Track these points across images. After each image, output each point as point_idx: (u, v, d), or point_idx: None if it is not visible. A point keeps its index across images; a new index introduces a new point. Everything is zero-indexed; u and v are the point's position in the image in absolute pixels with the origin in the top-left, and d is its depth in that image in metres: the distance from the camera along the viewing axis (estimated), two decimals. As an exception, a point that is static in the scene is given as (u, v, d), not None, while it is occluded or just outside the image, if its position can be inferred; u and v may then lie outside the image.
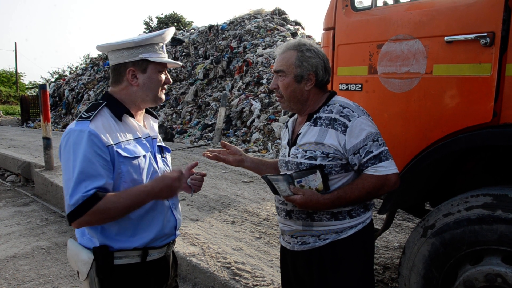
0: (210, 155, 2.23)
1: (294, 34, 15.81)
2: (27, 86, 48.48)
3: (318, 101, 2.01)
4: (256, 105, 12.18)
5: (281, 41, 15.30)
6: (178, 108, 16.17)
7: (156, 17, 54.11)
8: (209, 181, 7.10)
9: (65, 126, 19.50)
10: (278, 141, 10.16)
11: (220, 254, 4.10)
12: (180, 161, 8.87)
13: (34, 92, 26.44)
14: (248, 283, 3.53)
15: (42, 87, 7.03)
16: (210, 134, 12.71)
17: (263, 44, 15.47)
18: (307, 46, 1.97)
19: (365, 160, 1.84)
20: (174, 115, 15.88)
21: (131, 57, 1.81)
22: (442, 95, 2.37)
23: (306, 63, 1.93)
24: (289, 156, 2.02)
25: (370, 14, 2.72)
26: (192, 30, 21.54)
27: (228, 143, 2.31)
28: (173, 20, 52.71)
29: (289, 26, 16.97)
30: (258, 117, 11.87)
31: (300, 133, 1.98)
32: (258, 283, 3.53)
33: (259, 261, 3.95)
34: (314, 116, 1.97)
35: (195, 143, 11.99)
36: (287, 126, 2.19)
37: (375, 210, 3.01)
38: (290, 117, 2.22)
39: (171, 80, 1.95)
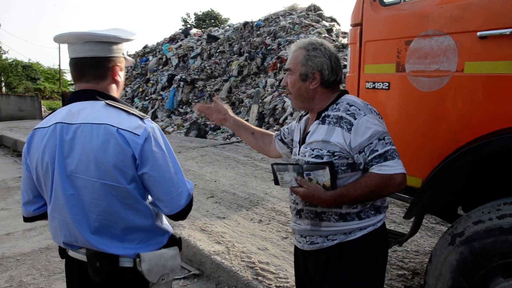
0: (198, 107, 2.45)
1: (329, 31, 15.54)
2: (69, 82, 50.20)
3: (326, 100, 2.00)
4: (289, 102, 12.06)
5: (316, 37, 15.09)
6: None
7: (194, 14, 54.72)
8: (238, 178, 7.09)
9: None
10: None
11: (244, 253, 4.07)
12: (211, 158, 8.90)
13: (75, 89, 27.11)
14: (271, 284, 3.48)
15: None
16: (243, 131, 12.68)
17: (298, 40, 15.30)
18: (315, 45, 1.97)
19: (370, 158, 1.81)
20: (208, 112, 15.95)
21: (118, 52, 1.73)
22: (474, 95, 2.22)
23: (310, 62, 1.94)
24: (298, 154, 2.03)
25: (398, 9, 2.59)
26: (227, 27, 21.61)
27: (219, 101, 2.46)
28: (210, 17, 53.22)
29: (324, 22, 16.70)
30: (291, 114, 11.75)
31: (309, 131, 2.00)
32: (281, 285, 3.47)
33: (284, 261, 3.89)
34: (323, 114, 1.97)
35: (228, 140, 12.01)
36: (299, 121, 2.21)
37: (400, 213, 2.88)
38: (305, 114, 2.20)
39: None
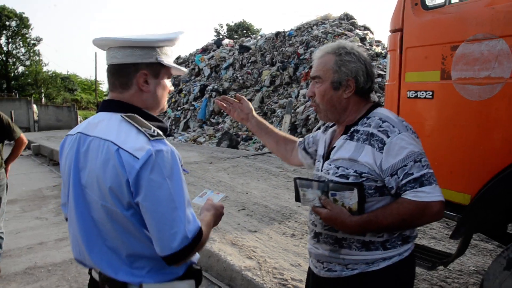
0: (220, 100, 2.23)
1: (362, 39, 15.30)
2: (104, 93, 51.66)
3: (357, 112, 1.79)
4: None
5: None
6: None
7: (227, 25, 55.39)
8: (270, 190, 6.95)
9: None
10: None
11: (277, 269, 3.91)
12: (243, 169, 8.81)
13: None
14: (304, 304, 3.31)
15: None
16: (275, 142, 12.56)
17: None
18: (347, 49, 1.75)
19: (404, 182, 1.58)
20: (240, 122, 15.94)
21: (146, 58, 1.53)
22: (531, 104, 2.02)
23: (344, 68, 1.72)
24: (321, 171, 1.83)
25: (443, 12, 2.42)
26: (259, 37, 21.65)
27: (243, 98, 2.23)
28: (242, 28, 53.75)
29: (357, 31, 16.46)
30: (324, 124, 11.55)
31: (335, 146, 1.78)
32: (315, 305, 3.29)
33: (318, 279, 3.71)
34: (352, 129, 1.75)
35: (260, 151, 11.91)
36: (324, 132, 1.99)
37: (429, 237, 2.68)
38: (332, 125, 1.97)
39: (173, 88, 1.74)
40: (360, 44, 14.57)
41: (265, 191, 6.92)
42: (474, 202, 2.22)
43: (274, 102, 15.26)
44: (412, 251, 1.76)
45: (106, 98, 1.64)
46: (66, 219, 1.72)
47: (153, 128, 1.48)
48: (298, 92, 14.27)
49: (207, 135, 15.96)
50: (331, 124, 1.99)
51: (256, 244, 4.58)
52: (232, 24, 54.47)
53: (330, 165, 1.75)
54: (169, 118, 19.46)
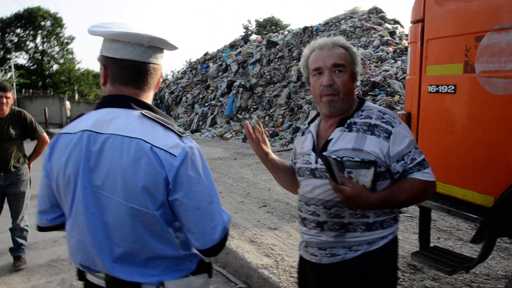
0: (248, 123, 2.12)
1: (392, 33, 14.93)
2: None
3: (352, 105, 1.89)
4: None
5: (378, 40, 14.54)
6: (270, 110, 16.16)
7: (255, 21, 55.30)
8: (293, 187, 6.85)
9: (164, 128, 20.56)
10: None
11: (294, 268, 3.82)
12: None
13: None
14: (321, 305, 3.21)
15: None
16: (301, 138, 12.44)
17: (358, 44, 14.84)
18: (349, 45, 1.89)
19: (411, 166, 1.77)
20: (267, 118, 15.89)
21: (162, 59, 1.57)
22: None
23: (357, 61, 1.88)
24: (316, 163, 1.86)
25: (466, 1, 2.26)
26: (287, 32, 21.48)
27: (264, 131, 2.15)
28: (271, 23, 53.57)
29: (387, 25, 16.08)
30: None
31: (332, 138, 1.84)
32: (332, 306, 3.19)
33: (336, 280, 3.60)
34: (348, 121, 1.84)
35: (285, 147, 11.81)
36: (303, 134, 2.04)
37: (455, 238, 2.52)
38: (309, 123, 2.04)
39: None
40: (389, 38, 14.25)
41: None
42: (498, 204, 2.08)
43: (301, 97, 15.10)
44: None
45: (111, 92, 1.54)
46: (42, 228, 1.67)
47: (175, 125, 1.48)
48: (325, 88, 14.06)
49: (233, 131, 15.97)
50: (309, 122, 2.05)
51: (275, 242, 4.51)
52: (261, 20, 54.37)
53: (330, 156, 1.78)
54: (196, 114, 19.59)
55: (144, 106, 1.52)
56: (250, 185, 7.12)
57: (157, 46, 1.51)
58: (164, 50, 1.59)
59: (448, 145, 2.41)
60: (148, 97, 1.57)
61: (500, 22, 2.06)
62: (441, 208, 2.53)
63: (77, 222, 1.48)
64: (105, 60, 1.51)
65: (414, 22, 2.57)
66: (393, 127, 1.76)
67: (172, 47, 1.57)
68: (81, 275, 1.62)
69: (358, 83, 12.39)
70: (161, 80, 1.63)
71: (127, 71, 1.49)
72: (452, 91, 2.33)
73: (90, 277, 1.57)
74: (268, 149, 2.14)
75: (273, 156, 2.16)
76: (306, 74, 1.94)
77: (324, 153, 1.81)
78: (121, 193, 1.39)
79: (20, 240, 4.58)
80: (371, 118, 1.80)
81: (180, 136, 1.44)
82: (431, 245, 3.93)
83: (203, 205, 1.42)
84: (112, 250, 1.45)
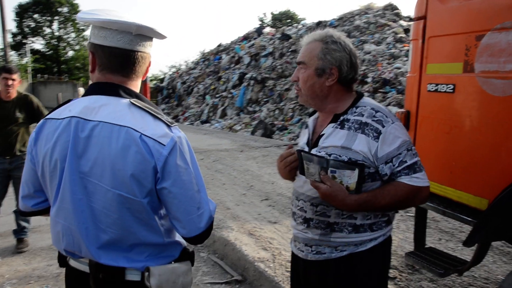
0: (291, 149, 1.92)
1: (406, 30, 14.73)
2: (150, 79, 52.76)
3: (344, 101, 1.82)
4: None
5: (392, 37, 14.37)
6: (281, 104, 16.11)
7: (271, 13, 55.03)
8: (297, 181, 6.83)
9: (175, 117, 20.65)
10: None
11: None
12: (273, 158, 8.72)
13: (154, 84, 28.47)
14: (314, 301, 3.21)
15: (144, 80, 7.37)
16: (309, 133, 12.39)
17: (372, 40, 14.68)
18: (334, 38, 1.78)
19: (399, 169, 1.69)
20: (277, 111, 15.85)
21: (150, 47, 1.55)
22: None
23: (329, 56, 1.75)
24: None
25: (470, -2, 2.21)
26: (301, 26, 21.35)
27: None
28: (286, 17, 53.28)
29: (401, 21, 15.87)
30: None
31: (323, 134, 1.80)
32: (325, 302, 3.19)
33: (332, 276, 3.59)
34: (341, 118, 1.78)
35: (293, 141, 11.77)
36: (306, 127, 2.00)
37: (457, 240, 2.50)
38: (310, 115, 2.02)
39: None
40: (403, 35, 14.07)
41: (292, 183, 6.81)
42: (491, 207, 2.04)
43: (311, 92, 15.00)
44: (391, 230, 1.89)
45: (100, 80, 1.54)
46: (23, 212, 1.68)
47: (164, 115, 1.50)
48: (336, 83, 13.97)
49: (243, 123, 15.96)
50: (310, 114, 2.03)
51: (273, 236, 4.51)
52: (277, 13, 54.10)
53: (319, 152, 1.77)
54: (207, 105, 19.62)
55: (133, 94, 1.52)
56: (254, 177, 7.12)
57: (145, 34, 1.50)
58: (154, 39, 1.59)
59: (445, 145, 2.37)
60: (136, 86, 1.58)
61: (501, 21, 2.01)
62: (437, 209, 2.50)
63: (63, 208, 1.48)
64: (93, 47, 1.51)
65: (417, 19, 2.52)
66: (383, 126, 1.68)
67: (160, 36, 1.56)
68: (62, 261, 1.63)
69: (369, 79, 12.29)
70: (149, 68, 1.62)
71: (115, 59, 1.49)
72: (451, 91, 2.28)
73: (73, 262, 1.58)
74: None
75: None
76: None
77: (315, 149, 1.79)
78: (109, 180, 1.39)
79: (23, 223, 4.65)
80: (362, 115, 1.73)
81: (168, 126, 1.45)
82: (431, 246, 3.91)
83: (190, 194, 1.45)
84: (99, 236, 1.45)
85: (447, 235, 4.56)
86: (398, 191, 1.68)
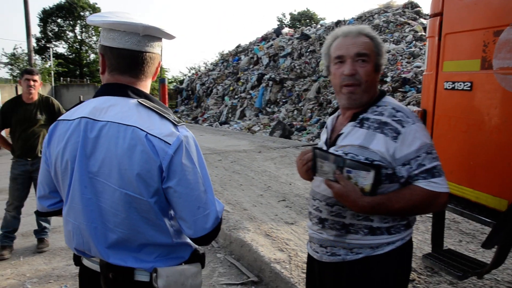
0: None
1: (426, 29, 14.51)
2: (169, 81, 53.28)
3: (372, 98, 1.76)
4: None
5: (412, 35, 14.16)
6: (299, 104, 16.05)
7: (290, 14, 54.91)
8: (315, 182, 6.78)
9: (194, 119, 20.79)
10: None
11: (307, 264, 3.79)
12: (291, 159, 8.68)
13: (174, 86, 28.74)
14: (330, 303, 3.17)
15: (161, 81, 7.49)
16: (328, 133, 12.31)
17: (391, 39, 14.49)
18: (375, 34, 1.76)
19: (416, 173, 1.61)
20: (295, 112, 15.80)
21: (159, 48, 1.56)
22: None
23: (382, 52, 1.74)
24: None
25: (487, -7, 2.15)
26: (319, 26, 21.23)
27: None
28: (305, 17, 53.08)
29: (421, 19, 15.62)
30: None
31: (342, 133, 1.75)
32: (341, 305, 3.14)
33: (349, 278, 3.54)
34: (361, 117, 1.72)
35: (311, 141, 11.70)
36: (326, 126, 1.95)
37: (478, 242, 2.43)
38: (330, 115, 1.98)
39: None
40: (423, 33, 13.84)
41: (309, 183, 6.73)
42: (511, 208, 1.98)
43: (330, 92, 14.91)
44: (411, 234, 1.80)
45: (110, 81, 1.55)
46: (40, 213, 1.71)
47: (171, 114, 1.49)
48: (355, 83, 13.82)
49: (261, 124, 15.95)
50: (330, 113, 1.99)
51: (290, 237, 4.47)
52: (295, 13, 53.95)
53: (337, 151, 1.72)
54: (226, 106, 19.69)
55: (142, 94, 1.53)
56: (272, 178, 7.10)
57: (152, 35, 1.51)
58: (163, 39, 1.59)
59: (462, 144, 2.31)
60: (146, 86, 1.59)
61: (520, 16, 1.95)
62: (454, 210, 2.44)
63: (73, 207, 1.50)
64: (103, 49, 1.53)
65: (433, 15, 2.47)
66: (403, 127, 1.62)
67: (169, 36, 1.57)
68: (77, 260, 1.65)
69: (388, 79, 12.13)
70: (159, 68, 1.63)
71: (123, 60, 1.50)
72: (468, 88, 2.22)
73: (86, 262, 1.60)
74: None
75: None
76: (327, 62, 1.83)
77: (333, 147, 1.75)
78: (116, 179, 1.40)
79: (44, 224, 4.73)
80: (383, 115, 1.68)
81: (175, 125, 1.45)
82: (450, 247, 3.83)
83: (196, 194, 1.44)
84: (107, 236, 1.46)
85: (468, 236, 4.45)
86: (414, 196, 1.61)
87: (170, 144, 1.39)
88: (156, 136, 1.39)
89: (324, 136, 1.91)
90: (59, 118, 1.57)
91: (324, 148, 1.80)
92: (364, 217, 1.69)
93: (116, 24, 1.45)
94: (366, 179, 1.60)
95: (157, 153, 1.38)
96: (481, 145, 2.19)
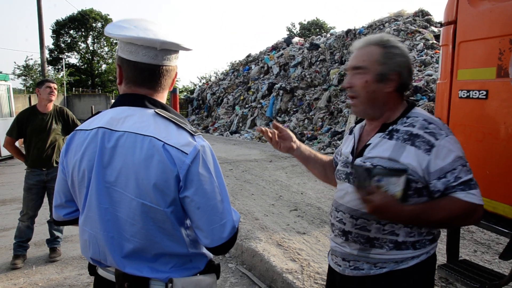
0: (263, 129, 2.03)
1: (437, 37, 14.42)
2: (180, 90, 53.64)
3: (396, 110, 1.72)
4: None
5: (423, 44, 14.10)
6: (310, 114, 16.03)
7: (299, 23, 55.10)
8: (326, 192, 6.75)
9: (205, 128, 20.86)
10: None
11: (319, 274, 3.75)
12: (302, 168, 8.65)
13: (184, 96, 28.91)
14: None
15: (173, 91, 7.53)
16: (339, 142, 12.25)
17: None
18: (392, 42, 1.69)
19: (454, 185, 1.56)
20: (306, 121, 15.77)
21: (176, 60, 1.58)
22: None
23: (391, 61, 1.66)
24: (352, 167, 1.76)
25: (503, 0, 2.13)
26: (329, 35, 21.25)
27: (280, 125, 2.08)
28: (315, 26, 53.22)
29: (432, 28, 15.55)
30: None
31: (370, 143, 1.71)
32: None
33: (362, 289, 3.49)
34: (390, 128, 1.68)
35: (322, 151, 11.66)
36: (351, 133, 1.91)
37: (494, 252, 2.38)
38: (357, 123, 1.94)
39: None
40: (434, 41, 13.78)
41: (321, 192, 6.73)
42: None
43: (341, 101, 14.87)
44: (436, 248, 1.77)
45: (126, 92, 1.56)
46: (56, 222, 1.72)
47: (188, 124, 1.51)
48: (366, 92, 13.76)
49: (272, 133, 15.94)
50: (356, 121, 1.95)
51: (302, 247, 4.44)
52: (305, 22, 54.12)
53: (364, 162, 1.68)
54: (236, 115, 19.73)
55: (158, 105, 1.54)
56: (283, 188, 7.07)
57: (169, 48, 1.52)
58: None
59: (478, 154, 2.27)
60: (162, 97, 1.60)
61: (537, 23, 1.93)
62: (470, 220, 2.40)
63: (90, 216, 1.51)
64: (120, 61, 1.54)
65: (446, 24, 2.45)
66: (437, 139, 1.57)
67: (186, 49, 1.57)
68: (92, 270, 1.65)
69: (400, 87, 12.07)
70: (175, 79, 1.65)
71: (140, 73, 1.52)
72: (484, 97, 2.20)
73: (101, 271, 1.59)
74: (292, 143, 2.07)
75: (302, 149, 2.11)
76: None
77: (360, 159, 1.72)
78: (133, 189, 1.41)
79: (56, 233, 4.76)
80: (414, 126, 1.63)
81: (192, 135, 1.45)
82: (466, 258, 3.76)
83: (213, 203, 1.44)
84: (123, 246, 1.46)
85: (483, 246, 4.38)
86: (453, 207, 1.57)
87: (187, 154, 1.40)
88: (173, 146, 1.40)
89: (350, 145, 1.86)
90: (77, 128, 1.58)
91: (350, 158, 1.78)
92: (389, 232, 1.65)
93: (133, 38, 1.45)
94: (397, 185, 1.55)
95: (174, 163, 1.39)
96: (498, 154, 2.16)
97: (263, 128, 2.03)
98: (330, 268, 1.92)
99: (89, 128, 1.53)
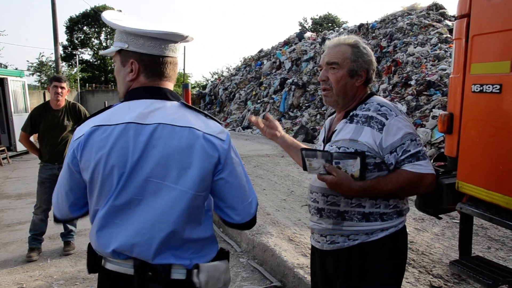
0: (253, 119, 2.32)
1: (451, 31, 14.23)
2: (192, 86, 53.79)
3: (358, 99, 1.99)
4: (402, 108, 11.26)
5: (436, 38, 13.92)
6: (322, 109, 15.97)
7: (311, 18, 54.78)
8: (338, 187, 6.72)
9: (216, 124, 20.93)
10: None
11: (331, 270, 3.75)
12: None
13: (197, 91, 28.97)
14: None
15: (185, 86, 7.62)
16: (351, 137, 12.19)
17: (415, 42, 14.27)
18: (359, 43, 1.98)
19: (402, 158, 1.80)
20: (318, 116, 15.73)
21: (179, 51, 1.67)
22: None
23: (361, 59, 1.94)
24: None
25: (517, -7, 2.09)
26: (342, 30, 21.10)
27: (271, 117, 2.38)
28: (327, 21, 52.88)
29: (446, 21, 15.33)
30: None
31: (336, 130, 1.98)
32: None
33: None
34: (351, 113, 1.95)
35: (334, 146, 11.63)
36: (325, 127, 2.18)
37: (508, 249, 2.34)
38: (329, 116, 2.20)
39: None
40: (448, 35, 13.59)
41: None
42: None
43: (353, 96, 14.77)
44: (405, 223, 1.96)
45: (149, 85, 1.59)
46: (55, 219, 1.71)
47: (209, 114, 1.64)
48: (378, 87, 13.67)
49: (284, 128, 15.93)
50: (329, 114, 2.21)
51: (313, 242, 4.44)
52: (317, 17, 53.79)
53: (331, 146, 1.94)
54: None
55: (178, 97, 1.63)
56: (295, 183, 7.07)
57: (171, 39, 1.58)
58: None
59: (491, 149, 2.25)
60: (172, 89, 1.69)
61: (552, 16, 1.89)
62: (483, 215, 2.37)
63: (121, 209, 1.50)
64: (138, 56, 1.58)
65: (460, 17, 2.42)
66: (387, 119, 1.82)
67: (187, 40, 1.64)
68: (91, 267, 1.63)
69: (413, 82, 11.95)
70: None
71: (161, 66, 1.59)
72: (498, 91, 2.17)
73: (110, 266, 1.55)
74: (276, 131, 2.33)
75: (285, 138, 2.36)
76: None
77: (328, 143, 1.97)
78: (174, 179, 1.47)
79: (70, 227, 4.83)
80: (369, 110, 1.89)
81: (220, 124, 1.61)
82: (479, 254, 3.73)
83: (243, 183, 1.60)
84: (154, 236, 1.48)
85: (497, 243, 4.33)
86: (400, 178, 1.79)
87: (224, 140, 1.54)
88: (211, 134, 1.52)
89: (322, 135, 2.15)
90: (96, 124, 1.53)
91: (322, 146, 2.03)
92: (356, 204, 1.86)
93: (153, 33, 1.53)
94: (354, 166, 1.80)
95: (216, 149, 1.51)
96: (511, 149, 2.13)
97: (254, 119, 2.30)
98: (312, 247, 2.13)
99: (111, 123, 1.50)
